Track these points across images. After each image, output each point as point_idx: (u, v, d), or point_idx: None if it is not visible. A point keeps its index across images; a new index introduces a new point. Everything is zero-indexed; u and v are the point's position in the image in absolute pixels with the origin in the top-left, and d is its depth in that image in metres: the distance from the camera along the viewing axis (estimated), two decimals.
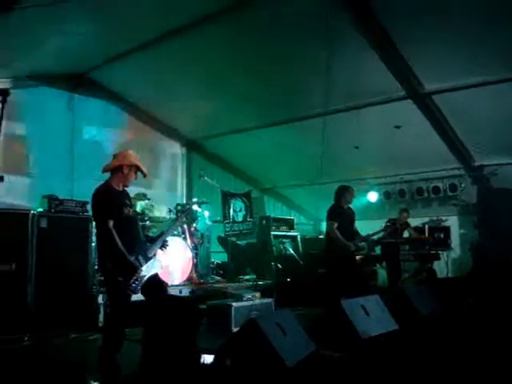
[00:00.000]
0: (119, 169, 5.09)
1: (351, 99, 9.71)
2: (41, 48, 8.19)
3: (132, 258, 4.85)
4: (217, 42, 8.59)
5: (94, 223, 5.61)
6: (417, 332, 5.96)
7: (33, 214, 7.21)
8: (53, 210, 7.48)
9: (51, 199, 7.52)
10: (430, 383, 4.32)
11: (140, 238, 5.23)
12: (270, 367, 4.10)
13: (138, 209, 8.64)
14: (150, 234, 7.38)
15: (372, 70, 8.63)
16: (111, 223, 4.83)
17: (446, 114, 9.53)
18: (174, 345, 4.19)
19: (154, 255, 5.15)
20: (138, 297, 5.43)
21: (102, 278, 6.07)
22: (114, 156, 5.21)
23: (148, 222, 8.59)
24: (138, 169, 5.19)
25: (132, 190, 5.77)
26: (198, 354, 4.67)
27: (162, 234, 5.45)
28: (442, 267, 10.60)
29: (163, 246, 5.34)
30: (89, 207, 7.46)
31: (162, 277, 5.55)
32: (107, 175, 5.21)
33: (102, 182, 5.15)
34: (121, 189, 5.17)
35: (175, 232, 8.58)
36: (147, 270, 5.01)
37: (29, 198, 9.05)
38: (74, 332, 6.96)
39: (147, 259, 5.03)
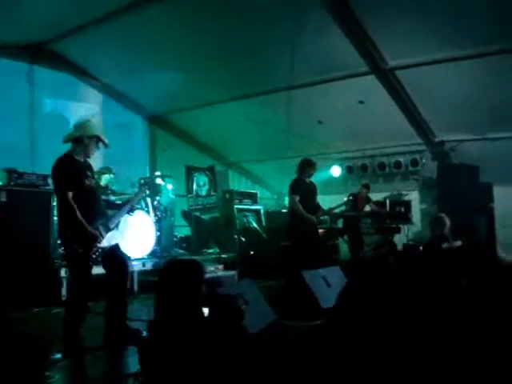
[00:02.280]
0: (80, 140, 5.04)
1: (315, 74, 9.71)
2: None
3: (92, 229, 4.84)
4: (181, 14, 8.47)
5: (55, 197, 5.56)
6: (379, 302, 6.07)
7: None
8: (12, 184, 7.34)
9: (10, 172, 7.38)
10: (392, 352, 4.42)
11: (101, 210, 5.21)
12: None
13: (103, 183, 8.55)
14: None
15: (336, 45, 8.64)
16: (71, 194, 4.80)
17: (408, 90, 9.62)
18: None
19: (116, 226, 5.14)
20: (100, 270, 5.44)
21: (64, 252, 6.03)
22: (75, 127, 5.13)
23: (112, 196, 8.53)
24: (99, 139, 5.14)
25: (97, 165, 5.71)
26: None
27: (124, 204, 5.44)
28: (402, 241, 10.82)
29: (130, 211, 5.35)
30: (50, 181, 7.38)
31: (125, 249, 5.54)
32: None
33: None
34: (82, 160, 5.12)
35: (138, 205, 8.56)
36: (108, 241, 5.00)
37: None
38: (37, 306, 6.91)
39: (108, 230, 5.02)
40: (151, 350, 3.18)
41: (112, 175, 8.43)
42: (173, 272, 3.38)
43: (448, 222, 7.68)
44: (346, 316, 3.51)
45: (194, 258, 9.23)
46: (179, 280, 3.26)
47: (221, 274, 7.58)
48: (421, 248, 8.78)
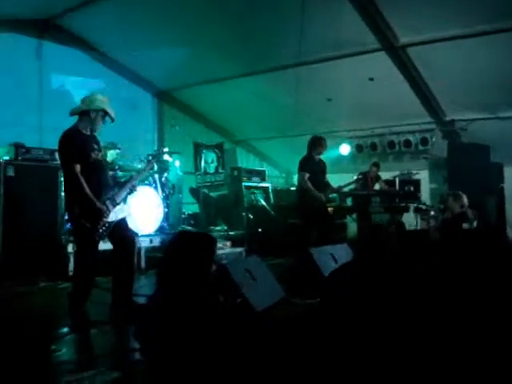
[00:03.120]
0: (86, 113, 5.01)
1: (325, 50, 9.60)
2: None
3: (99, 203, 4.81)
4: None
5: (62, 171, 5.51)
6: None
7: None
8: (20, 158, 7.33)
9: (18, 147, 7.37)
10: (395, 328, 4.40)
11: (108, 183, 5.18)
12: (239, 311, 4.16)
13: (109, 158, 8.52)
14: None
15: (347, 21, 8.51)
16: (78, 167, 4.77)
17: (419, 68, 9.50)
18: None
19: (123, 200, 5.12)
20: (107, 245, 5.44)
21: (71, 227, 6.02)
22: (82, 100, 5.11)
23: (119, 172, 8.50)
24: (105, 113, 5.09)
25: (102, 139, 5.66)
26: None
27: (130, 179, 5.40)
28: (411, 220, 10.75)
29: (132, 190, 5.29)
30: (57, 155, 7.36)
31: (132, 225, 5.53)
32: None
33: None
34: (89, 133, 5.09)
35: (146, 181, 8.54)
36: (115, 216, 4.98)
37: None
38: (44, 281, 6.94)
39: (115, 204, 4.99)
40: (148, 324, 3.04)
41: (118, 150, 8.38)
42: (183, 243, 3.17)
43: (465, 199, 7.42)
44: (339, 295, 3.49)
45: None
46: (188, 252, 3.06)
47: (228, 250, 7.57)
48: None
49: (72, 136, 4.94)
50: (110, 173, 6.93)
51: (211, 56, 10.36)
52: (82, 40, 10.75)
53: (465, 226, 7.28)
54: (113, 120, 5.21)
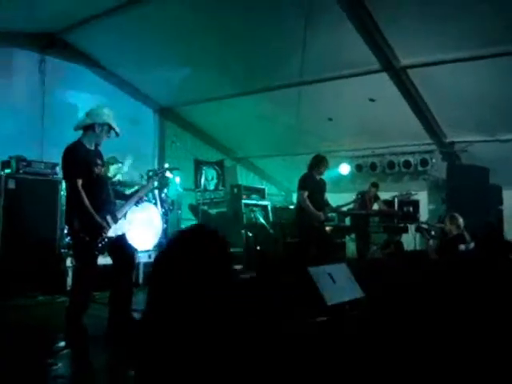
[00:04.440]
0: (91, 127, 5.02)
1: (326, 70, 9.65)
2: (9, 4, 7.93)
3: (100, 218, 4.83)
4: (192, 8, 8.44)
5: (63, 185, 5.54)
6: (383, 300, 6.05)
7: (0, 175, 7.10)
8: (21, 171, 7.37)
9: (19, 160, 7.41)
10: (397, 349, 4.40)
11: (110, 199, 5.19)
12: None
13: (111, 173, 8.55)
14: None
15: (348, 42, 8.58)
16: (80, 182, 4.78)
17: (420, 89, 9.57)
18: None
19: (123, 216, 5.13)
20: (106, 260, 5.44)
21: (70, 241, 6.03)
22: (87, 114, 5.11)
23: (119, 187, 8.52)
24: (110, 128, 5.11)
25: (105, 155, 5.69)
26: None
27: (132, 195, 5.43)
28: (409, 240, 10.76)
29: (137, 203, 5.34)
30: (58, 169, 7.39)
31: (131, 241, 5.53)
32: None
33: None
34: (93, 147, 5.11)
35: (145, 197, 8.55)
36: (114, 231, 4.99)
37: None
38: (42, 295, 6.94)
39: (115, 220, 5.00)
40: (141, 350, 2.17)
41: (120, 164, 8.41)
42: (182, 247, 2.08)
43: (461, 220, 7.54)
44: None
45: None
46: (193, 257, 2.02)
47: None
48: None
49: (75, 150, 4.94)
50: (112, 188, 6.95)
51: (213, 74, 10.43)
52: (84, 55, 10.78)
53: (461, 247, 7.34)
54: (117, 134, 5.22)
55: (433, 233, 9.31)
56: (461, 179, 10.28)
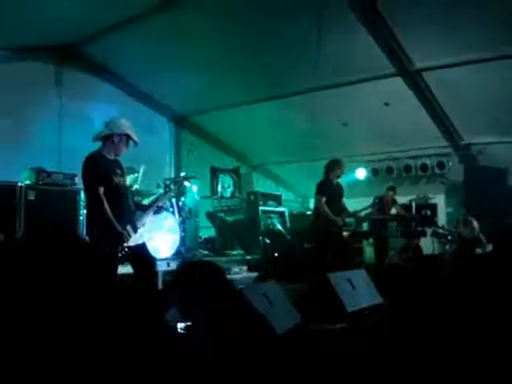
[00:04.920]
0: (110, 137, 5.06)
1: (341, 75, 9.68)
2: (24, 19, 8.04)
3: (120, 227, 4.86)
4: (206, 17, 8.51)
5: (82, 196, 5.57)
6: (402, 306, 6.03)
7: (20, 186, 7.19)
8: (40, 183, 7.45)
9: (39, 171, 7.49)
10: (414, 355, 4.38)
11: (130, 208, 5.21)
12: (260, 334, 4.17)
13: (128, 183, 8.60)
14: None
15: (362, 47, 8.61)
16: (101, 190, 4.81)
17: (435, 92, 9.55)
18: None
19: (143, 225, 5.16)
20: (126, 269, 5.48)
21: None
22: (106, 124, 5.14)
23: (137, 196, 8.58)
24: (129, 138, 5.15)
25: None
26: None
27: (152, 204, 5.47)
28: (428, 244, 10.69)
29: (156, 212, 5.39)
30: (77, 180, 7.46)
31: (150, 249, 5.56)
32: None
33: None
34: (112, 157, 5.13)
35: (165, 206, 8.60)
36: (134, 241, 5.01)
37: (14, 170, 8.93)
38: None
39: (135, 229, 5.03)
40: None
41: (136, 174, 8.47)
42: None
43: (476, 224, 7.50)
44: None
45: (218, 259, 9.30)
46: None
47: (245, 275, 7.60)
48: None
49: (95, 159, 4.98)
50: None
51: (228, 82, 10.48)
52: (100, 66, 10.90)
53: (478, 250, 7.29)
54: (136, 144, 5.24)
55: (449, 237, 9.26)
56: (478, 181, 10.22)
